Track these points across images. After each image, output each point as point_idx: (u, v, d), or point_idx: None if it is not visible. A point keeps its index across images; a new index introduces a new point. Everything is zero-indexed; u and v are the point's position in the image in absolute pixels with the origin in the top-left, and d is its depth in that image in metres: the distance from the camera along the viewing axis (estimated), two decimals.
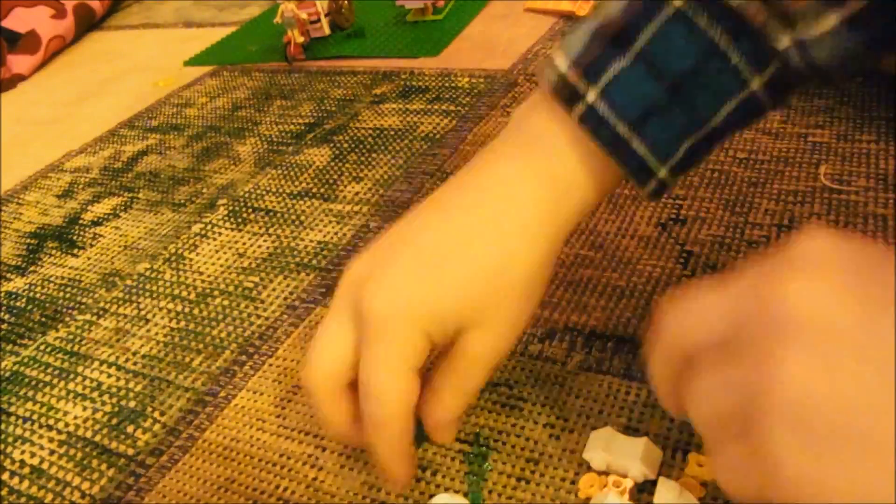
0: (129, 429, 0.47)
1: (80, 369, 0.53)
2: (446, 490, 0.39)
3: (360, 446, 0.40)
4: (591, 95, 0.33)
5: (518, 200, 0.35)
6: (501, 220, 0.35)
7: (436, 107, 0.77)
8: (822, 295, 0.21)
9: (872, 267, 0.22)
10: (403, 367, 0.34)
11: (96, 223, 0.70)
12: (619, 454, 0.36)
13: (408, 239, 0.36)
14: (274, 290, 0.56)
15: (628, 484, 0.36)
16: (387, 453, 0.35)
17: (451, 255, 0.34)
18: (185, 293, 0.58)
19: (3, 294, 0.63)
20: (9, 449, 0.48)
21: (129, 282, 0.61)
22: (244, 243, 0.62)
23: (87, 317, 0.58)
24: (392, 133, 0.74)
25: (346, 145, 0.74)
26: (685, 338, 0.25)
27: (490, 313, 0.35)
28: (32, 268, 0.66)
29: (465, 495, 0.38)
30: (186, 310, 0.56)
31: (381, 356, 0.34)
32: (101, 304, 0.59)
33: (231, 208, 0.68)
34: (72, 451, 0.47)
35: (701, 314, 0.25)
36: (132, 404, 0.49)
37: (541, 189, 0.35)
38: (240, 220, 0.66)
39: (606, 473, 0.37)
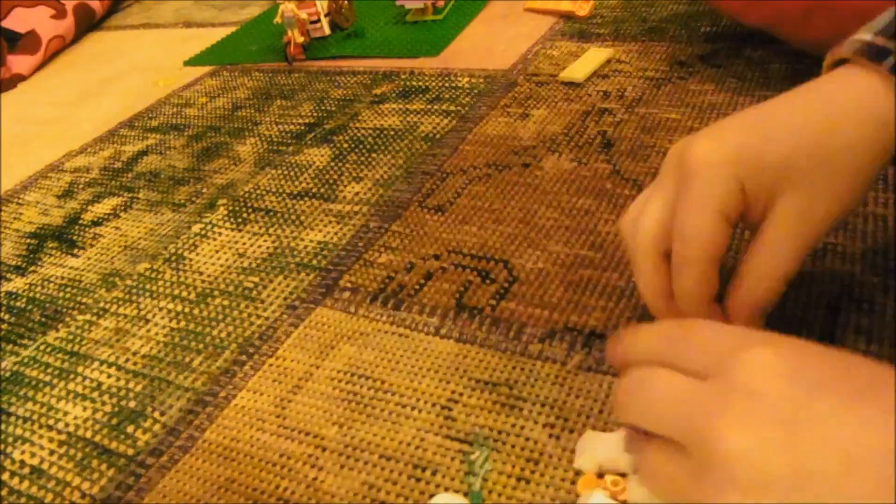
0: (129, 429, 0.47)
1: (80, 369, 0.53)
2: (446, 490, 0.39)
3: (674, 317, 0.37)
4: None
5: (842, 99, 0.35)
6: (834, 102, 0.35)
7: (436, 107, 0.77)
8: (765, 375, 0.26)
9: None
10: (713, 209, 0.34)
11: (96, 223, 0.70)
12: (605, 452, 0.36)
13: (727, 119, 0.36)
14: (274, 290, 0.56)
15: (629, 482, 0.36)
16: (685, 299, 0.35)
17: (779, 114, 0.35)
18: (185, 293, 0.58)
19: (3, 294, 0.63)
20: (9, 449, 0.48)
21: (129, 282, 0.61)
22: (244, 243, 0.62)
23: (87, 317, 0.58)
24: (392, 133, 0.74)
25: (346, 145, 0.74)
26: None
27: (809, 177, 0.34)
28: (32, 268, 0.66)
29: (465, 495, 0.38)
30: (186, 310, 0.56)
31: (692, 197, 0.34)
32: (101, 304, 0.59)
33: (231, 208, 0.68)
34: (72, 451, 0.47)
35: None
36: (132, 404, 0.49)
37: (855, 101, 0.34)
38: (240, 220, 0.66)
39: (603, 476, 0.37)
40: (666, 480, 0.28)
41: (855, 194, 0.35)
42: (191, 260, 0.62)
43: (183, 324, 0.55)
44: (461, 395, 0.44)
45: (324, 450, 0.43)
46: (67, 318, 0.58)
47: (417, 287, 0.53)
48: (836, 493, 0.23)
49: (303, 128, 0.79)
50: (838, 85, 0.35)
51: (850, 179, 0.34)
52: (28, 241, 0.70)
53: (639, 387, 0.30)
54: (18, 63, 1.13)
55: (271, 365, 0.49)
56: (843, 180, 0.34)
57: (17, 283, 0.64)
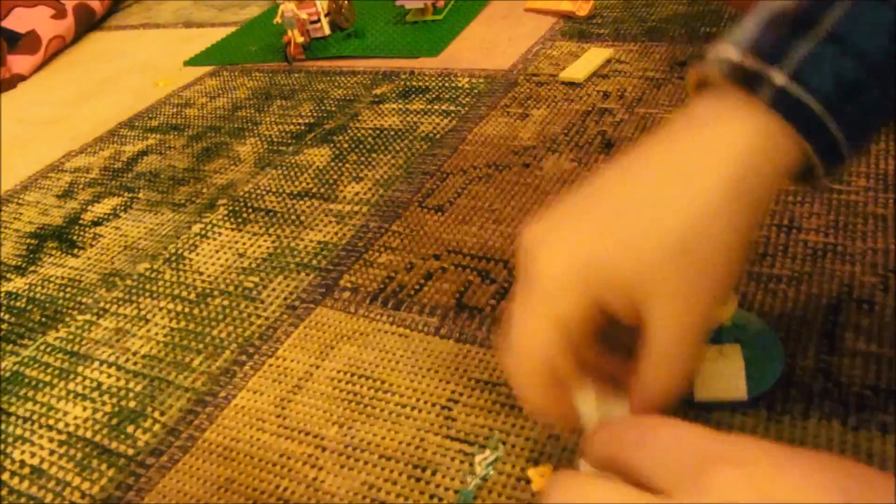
0: (129, 429, 0.47)
1: (80, 369, 0.53)
2: (446, 490, 0.39)
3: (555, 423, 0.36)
4: (780, 78, 0.30)
5: (705, 171, 0.31)
6: (688, 184, 0.31)
7: (436, 107, 0.77)
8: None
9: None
10: (545, 321, 0.31)
11: (96, 223, 0.70)
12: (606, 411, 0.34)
13: (582, 200, 0.33)
14: (274, 290, 0.56)
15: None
16: (531, 411, 0.34)
17: (635, 206, 0.31)
18: (185, 293, 0.58)
19: (3, 294, 0.63)
20: (9, 449, 0.48)
21: (129, 282, 0.61)
22: (244, 243, 0.62)
23: (87, 317, 0.58)
24: (392, 133, 0.74)
25: (346, 145, 0.74)
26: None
27: (680, 281, 0.30)
28: (32, 268, 0.66)
29: (456, 493, 0.38)
30: (186, 310, 0.56)
31: (527, 307, 0.31)
32: (101, 304, 0.59)
33: (231, 208, 0.68)
34: (72, 451, 0.47)
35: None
36: (132, 404, 0.49)
37: (724, 165, 0.31)
38: (240, 220, 0.66)
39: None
40: None
41: (734, 272, 0.32)
42: (191, 260, 0.62)
43: (183, 324, 0.55)
44: (461, 395, 0.44)
45: (324, 450, 0.43)
46: (67, 318, 0.58)
47: (417, 287, 0.53)
48: None
49: (303, 128, 0.79)
50: (705, 138, 0.31)
51: (726, 265, 0.31)
52: (28, 241, 0.70)
53: (566, 493, 0.26)
54: (18, 63, 1.13)
55: (271, 365, 0.49)
56: (720, 269, 0.31)
57: (17, 283, 0.64)
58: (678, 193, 0.30)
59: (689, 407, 0.39)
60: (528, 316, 0.32)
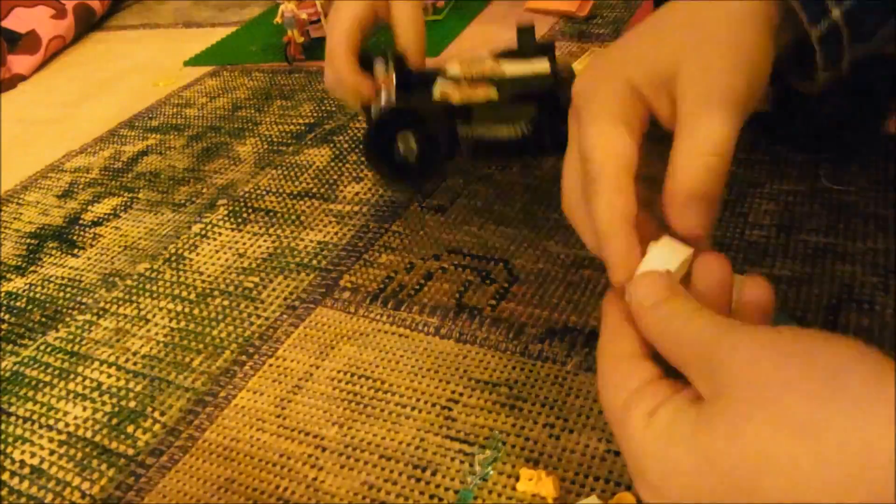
0: (129, 429, 0.47)
1: (80, 369, 0.53)
2: (446, 490, 0.39)
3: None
4: None
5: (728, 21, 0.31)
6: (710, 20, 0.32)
7: None
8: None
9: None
10: (609, 117, 0.31)
11: (96, 223, 0.70)
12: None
13: (617, 48, 0.34)
14: (274, 290, 0.56)
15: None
16: (603, 222, 0.31)
17: (665, 20, 0.33)
18: (185, 293, 0.58)
19: (3, 294, 0.63)
20: (9, 449, 0.48)
21: (129, 282, 0.61)
22: (244, 243, 0.62)
23: (87, 317, 0.58)
24: None
25: (346, 145, 0.74)
26: None
27: (701, 52, 0.31)
28: (32, 268, 0.66)
29: (455, 493, 0.38)
30: (186, 310, 0.56)
31: (587, 115, 0.32)
32: (101, 304, 0.59)
33: (231, 208, 0.68)
34: (72, 451, 0.47)
35: None
36: (132, 404, 0.49)
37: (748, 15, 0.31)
38: (240, 220, 0.66)
39: None
40: None
41: (756, 67, 0.31)
42: (191, 260, 0.62)
43: (183, 324, 0.55)
44: (461, 395, 0.44)
45: (324, 450, 0.43)
46: (67, 318, 0.58)
47: (417, 287, 0.53)
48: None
49: (303, 128, 0.79)
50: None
51: (747, 52, 0.31)
52: (28, 241, 0.70)
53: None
54: (18, 63, 1.13)
55: (271, 365, 0.49)
56: (739, 54, 0.31)
57: (17, 283, 0.64)
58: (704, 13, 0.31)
59: None
60: (586, 121, 0.32)
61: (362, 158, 0.71)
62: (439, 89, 0.49)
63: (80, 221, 0.71)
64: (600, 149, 0.31)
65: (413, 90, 0.51)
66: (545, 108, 0.48)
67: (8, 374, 0.54)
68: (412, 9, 0.56)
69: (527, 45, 0.52)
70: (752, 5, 0.31)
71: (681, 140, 0.30)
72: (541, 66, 0.50)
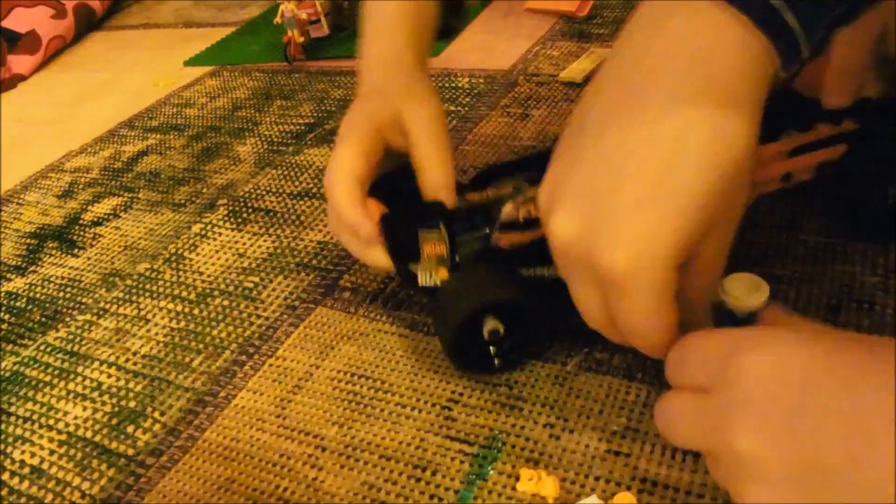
0: (129, 429, 0.47)
1: (80, 369, 0.53)
2: (446, 490, 0.39)
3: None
4: None
5: (709, 88, 0.30)
6: (713, 108, 0.30)
7: None
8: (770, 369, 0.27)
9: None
10: (665, 308, 0.31)
11: (96, 223, 0.70)
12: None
13: (604, 166, 0.32)
14: (274, 290, 0.56)
15: None
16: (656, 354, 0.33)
17: (670, 173, 0.30)
18: (185, 293, 0.58)
19: (3, 294, 0.63)
20: (9, 449, 0.48)
21: (129, 282, 0.61)
22: (244, 243, 0.62)
23: (87, 317, 0.58)
24: None
25: None
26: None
27: (718, 218, 0.31)
28: (32, 268, 0.66)
29: (455, 493, 0.38)
30: (186, 310, 0.56)
31: (637, 307, 0.31)
32: (101, 304, 0.59)
33: (231, 208, 0.68)
34: (72, 451, 0.47)
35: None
36: (132, 404, 0.49)
37: (715, 80, 0.31)
38: (240, 220, 0.66)
39: None
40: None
41: (748, 186, 0.32)
42: (191, 260, 0.62)
43: (183, 324, 0.55)
44: (461, 395, 0.44)
45: (324, 450, 0.43)
46: (67, 318, 0.58)
47: None
48: (846, 483, 0.24)
49: (303, 128, 0.79)
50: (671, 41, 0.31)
51: (745, 186, 0.32)
52: (28, 241, 0.70)
53: (659, 410, 0.32)
54: (18, 63, 1.13)
55: (271, 365, 0.49)
56: (742, 193, 0.32)
57: (17, 283, 0.64)
58: (707, 138, 0.30)
59: None
60: (634, 312, 0.32)
61: None
62: (506, 239, 0.43)
63: (80, 221, 0.71)
64: (661, 334, 0.32)
65: (464, 245, 0.44)
66: None
67: (8, 374, 0.54)
68: (433, 125, 0.47)
69: None
70: None
71: (690, 282, 0.33)
72: None
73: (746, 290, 0.37)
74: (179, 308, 0.57)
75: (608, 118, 0.32)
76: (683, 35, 0.31)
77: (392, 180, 0.48)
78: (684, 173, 0.30)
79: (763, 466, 0.26)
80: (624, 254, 0.30)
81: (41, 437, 0.48)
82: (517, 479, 0.38)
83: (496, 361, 0.43)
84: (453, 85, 0.81)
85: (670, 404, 0.31)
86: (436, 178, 0.46)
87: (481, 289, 0.41)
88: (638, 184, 0.30)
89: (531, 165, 0.48)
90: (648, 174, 0.30)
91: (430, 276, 0.44)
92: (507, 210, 0.43)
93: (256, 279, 0.58)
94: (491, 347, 0.43)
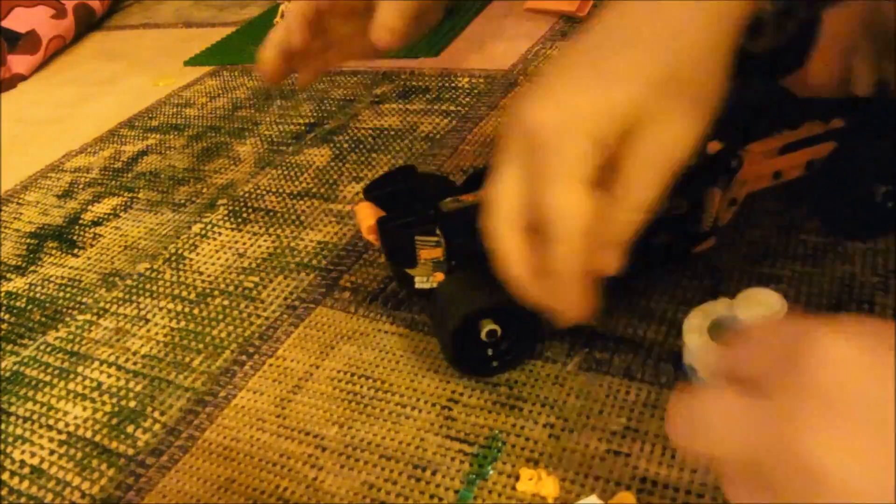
0: (129, 429, 0.47)
1: (80, 369, 0.53)
2: (446, 490, 0.39)
3: (539, 298, 0.35)
4: None
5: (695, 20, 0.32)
6: (671, 20, 0.32)
7: (436, 107, 0.77)
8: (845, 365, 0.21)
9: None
10: (579, 179, 0.31)
11: (96, 223, 0.70)
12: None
13: (567, 55, 0.34)
14: (274, 290, 0.56)
15: None
16: (566, 276, 0.33)
17: (617, 52, 0.32)
18: (185, 293, 0.58)
19: (3, 294, 0.63)
20: (9, 449, 0.48)
21: (129, 282, 0.61)
22: (244, 243, 0.62)
23: (87, 317, 0.58)
24: (392, 133, 0.74)
25: (346, 145, 0.74)
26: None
27: (661, 108, 0.32)
28: (32, 268, 0.66)
29: (455, 493, 0.38)
30: (186, 310, 0.56)
31: (554, 171, 0.32)
32: (101, 304, 0.59)
33: (231, 208, 0.68)
34: (72, 451, 0.47)
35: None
36: (132, 404, 0.49)
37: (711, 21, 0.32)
38: (240, 220, 0.66)
39: None
40: None
41: (711, 104, 0.33)
42: (191, 260, 0.62)
43: (183, 324, 0.55)
44: (461, 395, 0.44)
45: (324, 450, 0.43)
46: (67, 318, 0.58)
47: None
48: None
49: (303, 128, 0.79)
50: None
51: (705, 101, 0.33)
52: (28, 241, 0.70)
53: (687, 411, 0.24)
54: (18, 63, 1.13)
55: (271, 365, 0.49)
56: (698, 100, 0.33)
57: (17, 283, 0.64)
58: (660, 33, 0.32)
59: None
60: (552, 178, 0.32)
61: (362, 159, 0.71)
62: None
63: (80, 221, 0.71)
64: (572, 209, 0.32)
65: (460, 247, 0.43)
66: None
67: (8, 374, 0.54)
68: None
69: None
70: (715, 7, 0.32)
71: (621, 187, 0.33)
72: None
73: (762, 307, 0.37)
74: (179, 308, 0.57)
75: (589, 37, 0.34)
76: None
77: (388, 182, 0.48)
78: (626, 53, 0.32)
79: (848, 491, 0.20)
80: (552, 111, 0.32)
81: (41, 436, 0.48)
82: (517, 478, 0.38)
83: (494, 363, 0.43)
84: (453, 85, 0.81)
85: (704, 404, 0.24)
86: (384, 16, 0.45)
87: (478, 291, 0.41)
88: (583, 53, 0.33)
89: None
90: (596, 48, 0.33)
91: (426, 279, 0.44)
92: None
93: (256, 279, 0.58)
94: (489, 350, 0.43)
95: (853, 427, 0.20)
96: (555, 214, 0.32)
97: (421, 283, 0.45)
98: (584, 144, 0.31)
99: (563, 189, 0.32)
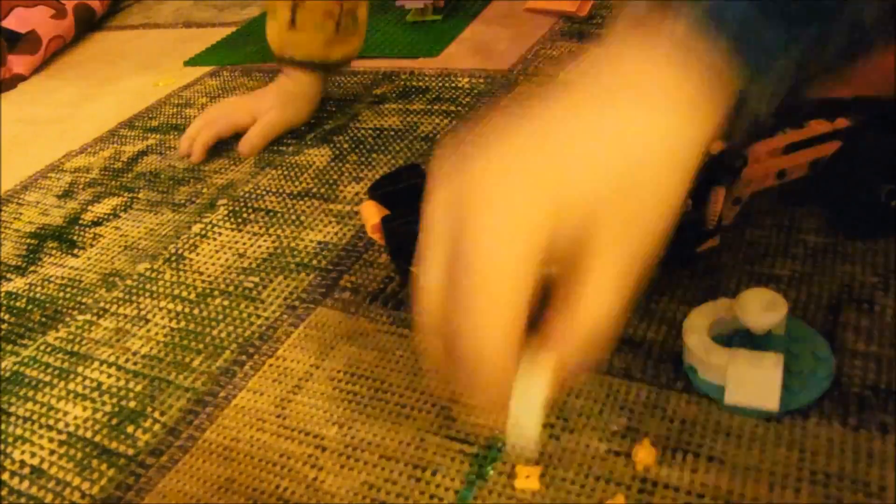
0: (129, 429, 0.47)
1: (80, 369, 0.53)
2: (446, 490, 0.39)
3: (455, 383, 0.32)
4: (699, 9, 0.29)
5: (649, 98, 0.29)
6: (632, 116, 0.29)
7: (436, 107, 0.77)
8: None
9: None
10: (516, 311, 0.28)
11: (96, 223, 0.70)
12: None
13: (520, 150, 0.29)
14: (274, 290, 0.56)
15: None
16: (485, 349, 0.28)
17: (576, 158, 0.28)
18: (185, 293, 0.58)
19: (3, 294, 0.63)
20: (9, 449, 0.48)
21: (129, 282, 0.61)
22: (244, 243, 0.62)
23: (87, 317, 0.58)
24: (392, 133, 0.74)
25: (346, 145, 0.74)
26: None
27: (615, 219, 0.28)
28: (32, 268, 0.66)
29: (456, 493, 0.38)
30: (186, 310, 0.56)
31: (480, 298, 0.27)
32: (101, 304, 0.59)
33: (231, 208, 0.68)
34: (72, 451, 0.47)
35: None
36: (132, 404, 0.49)
37: (665, 99, 0.29)
38: (240, 220, 0.66)
39: None
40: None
41: (662, 225, 0.30)
42: (191, 260, 0.62)
43: (183, 324, 0.55)
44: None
45: (324, 450, 0.43)
46: (67, 318, 0.58)
47: None
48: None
49: (303, 128, 0.79)
50: (631, 75, 0.30)
51: (659, 212, 0.29)
52: (28, 241, 0.70)
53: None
54: (18, 63, 1.13)
55: (271, 365, 0.49)
56: (654, 215, 0.29)
57: (17, 283, 0.64)
58: (620, 150, 0.29)
59: (719, 409, 0.39)
60: (483, 314, 0.28)
61: (362, 159, 0.71)
62: None
63: (80, 221, 0.71)
64: (504, 349, 0.28)
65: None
66: None
67: (8, 374, 0.54)
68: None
69: None
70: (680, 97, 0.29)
71: (584, 299, 0.28)
72: None
73: (763, 307, 0.36)
74: (179, 308, 0.57)
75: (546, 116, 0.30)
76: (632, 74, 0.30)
77: (392, 181, 0.48)
78: (580, 153, 0.28)
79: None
80: (493, 212, 0.28)
81: (41, 437, 0.48)
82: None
83: None
84: (453, 85, 0.81)
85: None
86: (251, 135, 0.53)
87: None
88: (538, 148, 0.29)
89: None
90: (542, 140, 0.29)
91: None
92: None
93: (256, 279, 0.58)
94: None
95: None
96: (475, 343, 0.28)
97: None
98: (520, 270, 0.27)
99: (496, 326, 0.28)
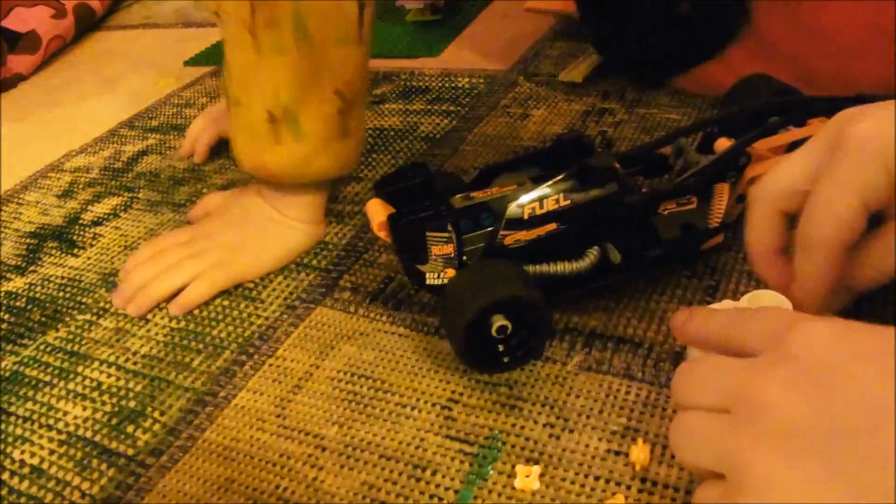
0: (129, 429, 0.47)
1: (80, 369, 0.53)
2: (446, 490, 0.39)
3: (772, 279, 0.37)
4: None
5: None
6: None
7: (436, 107, 0.77)
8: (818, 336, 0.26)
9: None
10: (856, 194, 0.31)
11: (96, 223, 0.70)
12: None
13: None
14: (274, 290, 0.56)
15: None
16: (804, 283, 0.34)
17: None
18: None
19: (3, 294, 0.63)
20: (9, 449, 0.48)
21: None
22: None
23: (87, 317, 0.58)
24: (392, 133, 0.74)
25: None
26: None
27: None
28: (32, 268, 0.66)
29: (456, 493, 0.38)
30: None
31: (838, 178, 0.32)
32: (101, 304, 0.59)
33: None
34: (72, 451, 0.47)
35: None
36: (132, 404, 0.49)
37: None
38: None
39: None
40: (699, 437, 0.28)
41: None
42: None
43: (183, 324, 0.55)
44: (461, 395, 0.44)
45: (324, 450, 0.43)
46: (67, 318, 0.58)
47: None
48: (862, 448, 0.24)
49: None
50: None
51: None
52: (28, 241, 0.70)
53: (688, 368, 0.30)
54: (18, 63, 1.13)
55: (271, 365, 0.49)
56: None
57: (17, 283, 0.64)
58: None
59: None
60: (833, 182, 0.32)
61: (362, 159, 0.71)
62: (511, 237, 0.44)
63: (80, 221, 0.71)
64: (835, 223, 0.32)
65: (471, 243, 0.44)
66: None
67: (8, 374, 0.54)
68: None
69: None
70: None
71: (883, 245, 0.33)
72: (609, 187, 0.44)
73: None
74: None
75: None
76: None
77: (399, 179, 0.48)
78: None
79: (781, 418, 0.25)
80: (868, 125, 0.32)
81: (41, 436, 0.48)
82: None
83: (505, 359, 0.43)
84: (453, 85, 0.81)
85: (700, 361, 0.30)
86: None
87: (488, 287, 0.41)
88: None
89: (535, 162, 0.49)
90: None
91: (437, 275, 0.44)
92: (513, 208, 0.43)
93: (256, 279, 0.58)
94: (499, 346, 0.43)
95: (803, 378, 0.26)
96: (818, 219, 0.32)
97: (432, 279, 0.45)
98: (879, 169, 0.31)
99: (839, 199, 0.32)
